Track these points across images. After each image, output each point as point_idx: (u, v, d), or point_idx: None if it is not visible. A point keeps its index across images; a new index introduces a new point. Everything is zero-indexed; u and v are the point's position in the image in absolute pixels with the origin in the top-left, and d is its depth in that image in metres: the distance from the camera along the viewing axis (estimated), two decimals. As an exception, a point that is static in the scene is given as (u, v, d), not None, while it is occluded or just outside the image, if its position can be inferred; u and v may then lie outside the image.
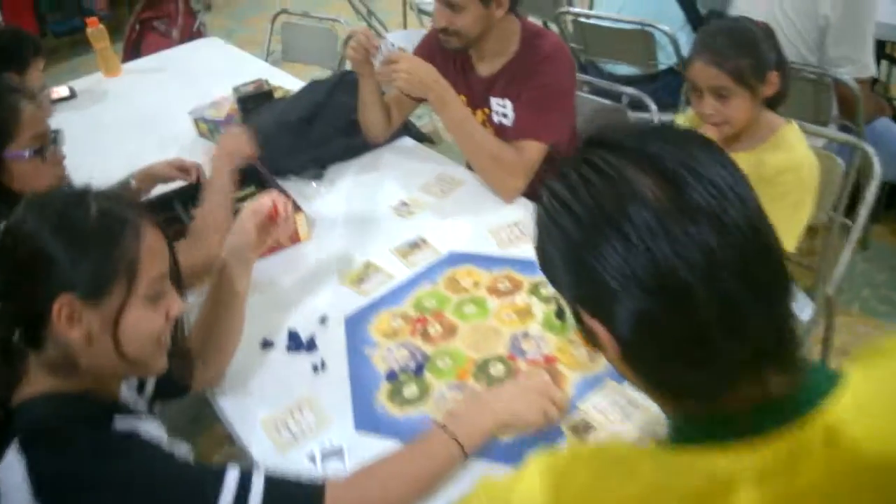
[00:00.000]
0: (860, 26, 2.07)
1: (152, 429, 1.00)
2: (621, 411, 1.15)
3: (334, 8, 5.84)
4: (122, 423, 0.95)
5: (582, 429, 1.13)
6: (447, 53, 1.79)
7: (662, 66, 2.45)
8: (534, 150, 1.67)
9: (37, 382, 0.94)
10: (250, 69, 2.63)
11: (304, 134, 1.90)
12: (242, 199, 1.78)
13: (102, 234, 0.92)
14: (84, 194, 0.95)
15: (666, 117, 1.94)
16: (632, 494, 0.62)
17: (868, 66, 2.11)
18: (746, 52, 1.43)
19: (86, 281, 0.90)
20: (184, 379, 1.19)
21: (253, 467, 0.97)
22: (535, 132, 1.67)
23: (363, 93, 1.81)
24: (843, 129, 2.12)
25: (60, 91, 2.63)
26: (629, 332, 0.63)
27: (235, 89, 2.15)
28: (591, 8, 2.68)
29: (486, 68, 1.78)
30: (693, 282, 0.58)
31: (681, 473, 0.62)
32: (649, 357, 0.65)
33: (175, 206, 1.76)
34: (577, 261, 0.64)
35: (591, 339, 0.71)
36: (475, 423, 1.10)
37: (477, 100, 1.80)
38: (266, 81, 2.18)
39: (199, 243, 1.44)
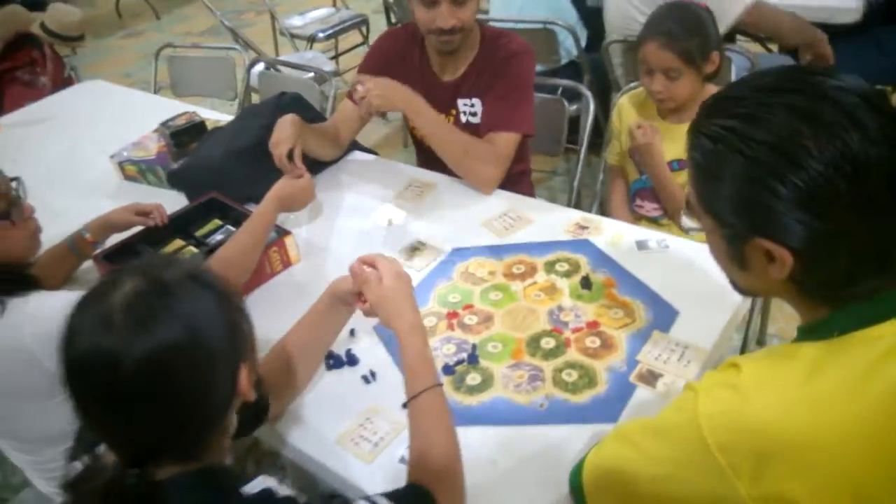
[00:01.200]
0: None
1: (266, 481, 0.96)
2: (678, 354, 1.25)
3: (197, 38, 5.73)
4: (248, 487, 0.90)
5: (651, 377, 1.22)
6: (407, 64, 1.84)
7: (564, 61, 2.63)
8: (506, 141, 1.74)
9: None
10: (150, 106, 2.53)
11: (259, 159, 1.85)
12: (205, 236, 1.72)
13: (205, 296, 0.83)
14: (159, 279, 0.82)
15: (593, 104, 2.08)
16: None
17: None
18: (695, 34, 1.60)
19: (241, 345, 0.86)
20: (261, 412, 1.14)
21: (358, 496, 0.93)
22: (505, 124, 1.74)
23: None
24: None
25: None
26: (806, 242, 0.73)
27: (163, 125, 2.05)
28: (486, 13, 2.81)
29: (448, 74, 1.83)
30: (870, 183, 0.71)
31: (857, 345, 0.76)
32: (822, 260, 0.75)
33: (142, 251, 1.66)
34: (759, 185, 0.74)
35: (739, 261, 0.82)
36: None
37: (442, 105, 1.83)
38: (195, 113, 2.10)
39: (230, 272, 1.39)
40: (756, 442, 0.73)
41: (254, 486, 0.90)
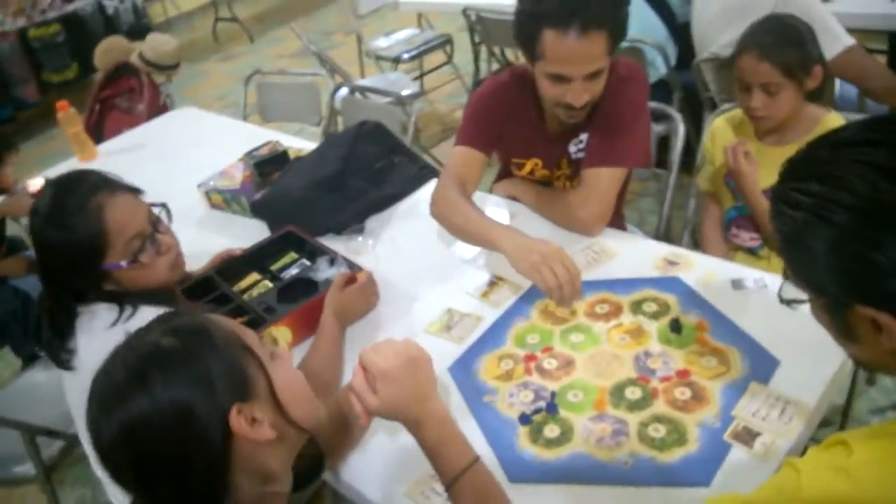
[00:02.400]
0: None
1: None
2: (779, 410, 1.14)
3: (289, 60, 5.92)
4: None
5: (748, 436, 1.11)
6: (521, 118, 1.69)
7: (653, 79, 2.51)
8: (606, 178, 1.60)
9: None
10: (239, 133, 2.58)
11: (340, 189, 1.85)
12: (280, 270, 1.72)
13: (198, 349, 0.86)
14: (132, 346, 0.87)
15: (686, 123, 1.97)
16: None
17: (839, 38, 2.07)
18: (794, 47, 1.49)
19: (232, 387, 0.85)
20: (317, 467, 1.11)
21: None
22: (605, 159, 1.61)
23: None
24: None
25: (37, 183, 2.49)
26: None
27: (248, 155, 2.08)
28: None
29: (563, 124, 1.66)
30: None
31: None
32: None
33: (218, 284, 1.66)
34: (853, 253, 0.68)
35: (846, 332, 0.73)
36: None
37: (554, 157, 1.73)
38: (278, 143, 2.12)
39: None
40: None
41: None
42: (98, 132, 3.17)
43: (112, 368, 0.84)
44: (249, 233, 1.90)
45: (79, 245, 1.22)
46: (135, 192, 1.33)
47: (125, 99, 3.17)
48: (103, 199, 1.25)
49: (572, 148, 1.70)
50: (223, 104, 5.30)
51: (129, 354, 0.84)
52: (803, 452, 1.12)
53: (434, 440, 0.98)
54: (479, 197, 1.93)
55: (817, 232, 0.71)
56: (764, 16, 1.60)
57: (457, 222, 1.59)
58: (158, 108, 3.15)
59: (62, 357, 1.29)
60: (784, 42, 1.48)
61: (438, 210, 1.66)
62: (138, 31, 5.67)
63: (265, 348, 0.94)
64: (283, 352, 0.98)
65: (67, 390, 1.39)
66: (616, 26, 1.44)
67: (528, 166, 1.76)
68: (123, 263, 1.26)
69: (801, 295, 0.81)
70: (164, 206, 1.38)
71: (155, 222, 1.34)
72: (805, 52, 1.50)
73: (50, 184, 1.30)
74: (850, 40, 2.00)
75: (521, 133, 1.70)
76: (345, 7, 6.27)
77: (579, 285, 1.34)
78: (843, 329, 0.76)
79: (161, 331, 0.86)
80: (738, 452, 1.10)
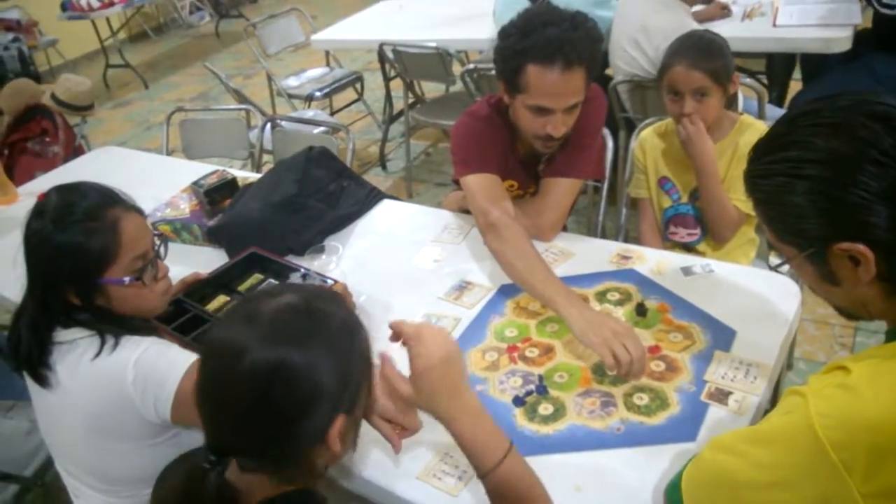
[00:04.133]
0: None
1: None
2: (743, 371, 1.29)
3: (189, 104, 5.80)
4: None
5: (721, 396, 1.25)
6: (499, 147, 1.76)
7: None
8: (563, 188, 1.73)
9: (260, 491, 0.89)
10: (167, 169, 2.57)
11: (301, 210, 1.90)
12: (248, 290, 1.73)
13: (345, 339, 0.89)
14: (310, 304, 0.88)
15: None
16: None
17: None
18: (718, 56, 1.69)
19: (352, 397, 0.89)
20: None
21: None
22: (565, 171, 1.74)
23: None
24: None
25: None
26: (889, 231, 0.81)
27: (195, 184, 2.09)
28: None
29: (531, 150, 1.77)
30: None
31: None
32: None
33: (190, 307, 1.66)
34: (827, 197, 0.83)
35: (829, 278, 0.87)
36: None
37: (527, 177, 1.84)
38: (225, 171, 2.14)
39: None
40: (872, 438, 0.76)
41: None
42: (8, 176, 3.03)
43: (282, 306, 0.85)
44: (204, 259, 1.90)
45: (88, 252, 1.20)
46: (142, 214, 1.33)
47: (37, 142, 3.06)
48: (120, 212, 1.25)
49: (541, 167, 1.83)
50: (128, 148, 5.15)
51: (301, 305, 0.86)
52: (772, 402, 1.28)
53: (469, 434, 1.00)
54: (432, 212, 2.04)
55: (794, 189, 0.85)
56: (685, 33, 1.80)
57: (518, 267, 1.54)
58: (74, 149, 3.06)
59: (41, 373, 1.26)
60: (710, 53, 1.68)
61: (499, 245, 1.60)
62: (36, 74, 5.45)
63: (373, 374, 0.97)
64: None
65: (40, 410, 1.34)
66: (593, 62, 1.57)
67: (505, 188, 1.84)
68: (126, 279, 1.25)
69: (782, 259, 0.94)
70: (163, 238, 1.38)
71: (151, 251, 1.34)
72: (727, 61, 1.71)
73: (59, 189, 1.27)
74: None
75: (499, 158, 1.76)
76: (244, 50, 6.27)
77: (646, 362, 1.31)
78: (826, 275, 0.89)
79: (341, 307, 0.89)
80: (715, 410, 1.23)
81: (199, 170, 2.32)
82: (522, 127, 1.67)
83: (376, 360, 1.03)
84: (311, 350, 0.83)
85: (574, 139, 1.69)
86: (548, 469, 1.17)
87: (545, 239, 1.76)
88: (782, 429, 0.85)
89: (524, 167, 1.84)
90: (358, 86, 4.49)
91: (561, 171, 1.74)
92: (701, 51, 1.68)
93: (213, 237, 1.95)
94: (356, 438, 0.98)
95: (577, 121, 1.65)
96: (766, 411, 1.26)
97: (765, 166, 0.90)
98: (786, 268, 0.97)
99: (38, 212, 1.24)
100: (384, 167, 4.32)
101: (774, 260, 0.98)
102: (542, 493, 1.02)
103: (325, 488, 1.58)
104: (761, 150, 0.93)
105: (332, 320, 0.87)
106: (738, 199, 1.72)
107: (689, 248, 1.89)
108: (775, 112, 2.57)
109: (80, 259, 1.21)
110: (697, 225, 1.87)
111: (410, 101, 3.88)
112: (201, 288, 1.71)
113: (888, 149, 0.80)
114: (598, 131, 1.81)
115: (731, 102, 1.82)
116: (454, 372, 1.02)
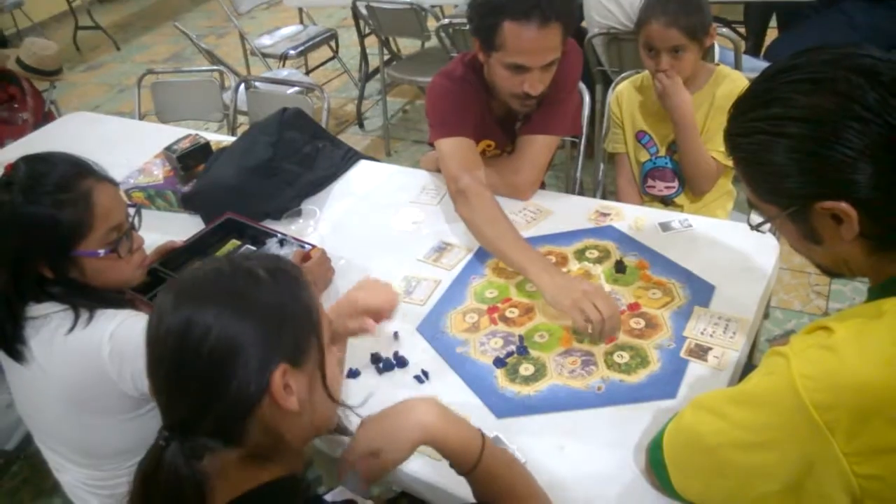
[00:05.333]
0: None
1: (345, 493, 0.98)
2: (722, 327, 1.29)
3: (161, 66, 5.67)
4: (331, 496, 0.92)
5: (701, 352, 1.26)
6: (477, 107, 1.73)
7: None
8: (540, 145, 1.71)
9: (238, 479, 0.85)
10: (140, 133, 2.52)
11: (276, 174, 1.87)
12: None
13: (272, 291, 0.87)
14: (233, 262, 0.88)
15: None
16: None
17: None
18: (695, 12, 1.65)
19: (291, 347, 0.86)
20: None
21: None
22: (541, 128, 1.71)
23: None
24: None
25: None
26: (874, 189, 0.79)
27: (168, 149, 2.04)
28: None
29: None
30: None
31: None
32: (882, 203, 0.80)
33: (165, 276, 1.64)
34: (809, 155, 0.81)
35: (811, 236, 0.86)
36: None
37: (504, 137, 1.81)
38: (197, 135, 2.09)
39: None
40: (855, 399, 0.75)
41: (335, 497, 0.91)
42: (-24, 146, 2.96)
43: (204, 269, 0.86)
44: (179, 225, 1.87)
45: (60, 224, 1.17)
46: (115, 184, 1.30)
47: (5, 109, 2.98)
48: (93, 182, 1.21)
49: (518, 125, 1.80)
50: (101, 112, 5.04)
51: (223, 266, 0.86)
52: (748, 363, 1.28)
53: (440, 447, 0.99)
54: (409, 172, 2.02)
55: (775, 147, 0.83)
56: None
57: (488, 235, 1.53)
58: (44, 115, 2.98)
59: (16, 348, 1.24)
60: (687, 9, 1.64)
61: (468, 213, 1.58)
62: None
63: (328, 334, 0.94)
64: (340, 348, 0.99)
65: (15, 386, 1.33)
66: (570, 19, 1.55)
67: (481, 147, 1.82)
68: (101, 252, 1.22)
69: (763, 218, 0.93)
70: (137, 208, 1.35)
71: (126, 223, 1.31)
72: (704, 16, 1.67)
73: (27, 159, 1.22)
74: None
75: (475, 118, 1.73)
76: (216, 8, 6.11)
77: (619, 320, 1.31)
78: (808, 233, 0.87)
79: (263, 264, 0.88)
80: (695, 367, 1.24)
81: (172, 134, 2.26)
82: (498, 86, 1.64)
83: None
84: (218, 305, 0.82)
85: (550, 95, 1.66)
86: (530, 430, 1.18)
87: (523, 197, 1.75)
88: (765, 390, 0.84)
89: (501, 126, 1.81)
90: (333, 43, 4.40)
91: (537, 128, 1.72)
92: (678, 7, 1.64)
93: (188, 204, 1.91)
94: (334, 392, 0.93)
95: (555, 76, 1.62)
96: (745, 365, 1.27)
97: (745, 124, 0.87)
98: (766, 226, 0.96)
99: (6, 183, 1.19)
100: (361, 126, 4.26)
101: (756, 219, 0.96)
102: (522, 471, 1.03)
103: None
104: (741, 108, 0.89)
105: (256, 275, 0.86)
106: (716, 151, 1.72)
107: (666, 201, 1.89)
108: (752, 62, 2.54)
109: (53, 232, 1.18)
110: (675, 178, 1.86)
111: (386, 57, 3.80)
112: (177, 256, 1.68)
113: (872, 104, 0.77)
114: (574, 86, 1.78)
115: (707, 53, 1.78)
116: (395, 418, 1.01)
